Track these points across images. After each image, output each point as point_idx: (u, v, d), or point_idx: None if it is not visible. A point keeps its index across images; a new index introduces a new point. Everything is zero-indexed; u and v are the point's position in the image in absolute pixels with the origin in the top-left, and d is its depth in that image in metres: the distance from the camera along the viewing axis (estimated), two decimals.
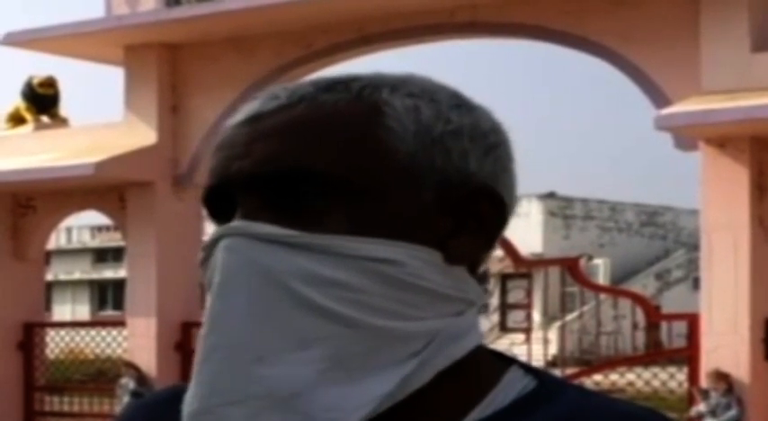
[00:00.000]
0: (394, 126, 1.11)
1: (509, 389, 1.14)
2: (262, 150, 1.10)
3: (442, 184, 1.11)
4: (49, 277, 39.53)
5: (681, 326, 13.09)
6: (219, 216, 1.13)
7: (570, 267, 14.26)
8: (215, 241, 1.10)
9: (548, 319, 21.53)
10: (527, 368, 1.17)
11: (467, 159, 1.12)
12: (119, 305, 37.47)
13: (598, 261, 38.99)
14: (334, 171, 1.08)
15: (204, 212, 1.19)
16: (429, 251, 1.09)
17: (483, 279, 1.18)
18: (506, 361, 1.18)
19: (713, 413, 12.04)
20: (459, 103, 1.15)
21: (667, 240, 44.12)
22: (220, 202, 1.13)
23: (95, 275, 54.48)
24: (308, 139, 1.09)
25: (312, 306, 1.06)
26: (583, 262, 18.26)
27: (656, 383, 13.98)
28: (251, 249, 1.07)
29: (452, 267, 1.11)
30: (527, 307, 14.87)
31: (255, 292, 1.06)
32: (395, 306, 1.07)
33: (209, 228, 1.27)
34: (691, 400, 12.54)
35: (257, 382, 1.05)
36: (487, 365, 1.15)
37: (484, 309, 22.54)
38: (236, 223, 1.09)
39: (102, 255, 54.52)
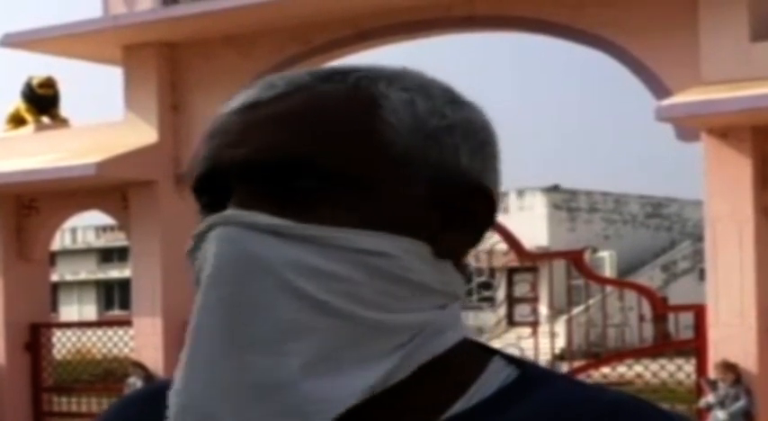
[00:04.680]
0: (390, 119, 1.10)
1: (492, 380, 1.14)
2: (258, 138, 1.09)
3: (434, 179, 1.11)
4: (55, 278, 39.65)
5: (688, 318, 13.08)
6: (208, 205, 1.12)
7: (575, 260, 14.26)
8: (206, 230, 1.08)
9: (554, 313, 21.49)
10: (510, 358, 1.17)
11: (458, 155, 1.12)
12: (125, 305, 37.50)
13: (604, 253, 38.97)
14: (331, 162, 1.07)
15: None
16: (420, 244, 1.10)
17: (463, 272, 1.17)
18: (489, 352, 1.18)
19: (722, 404, 12.03)
20: (453, 99, 1.15)
21: (673, 231, 44.10)
22: (210, 191, 1.12)
23: (101, 275, 54.56)
24: (306, 130, 1.08)
25: (305, 297, 1.05)
26: (587, 254, 18.26)
27: (664, 375, 13.97)
28: (245, 239, 1.06)
29: (440, 261, 1.11)
30: (533, 300, 14.87)
31: (248, 283, 1.05)
32: (384, 298, 1.08)
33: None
34: (699, 392, 12.53)
35: (245, 373, 1.04)
36: (471, 357, 1.15)
37: (491, 302, 22.55)
38: (230, 212, 1.08)
39: (108, 255, 54.59)
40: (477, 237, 1.14)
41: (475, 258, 14.35)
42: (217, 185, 1.11)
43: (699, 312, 12.62)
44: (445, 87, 1.15)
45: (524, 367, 1.17)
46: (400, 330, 1.08)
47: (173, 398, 1.08)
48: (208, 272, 1.07)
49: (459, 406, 1.12)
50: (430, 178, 1.11)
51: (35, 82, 16.35)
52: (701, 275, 23.91)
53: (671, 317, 13.64)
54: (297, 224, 1.06)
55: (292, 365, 1.05)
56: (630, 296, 14.50)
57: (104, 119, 16.42)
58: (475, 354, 1.16)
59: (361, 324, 1.06)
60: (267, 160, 1.08)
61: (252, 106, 1.11)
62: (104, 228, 52.70)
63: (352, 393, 1.06)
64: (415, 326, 1.09)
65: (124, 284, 37.98)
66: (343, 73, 1.13)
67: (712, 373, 12.11)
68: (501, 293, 20.87)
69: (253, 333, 1.05)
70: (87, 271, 55.00)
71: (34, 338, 16.55)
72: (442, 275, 1.11)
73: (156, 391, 1.23)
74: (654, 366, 14.11)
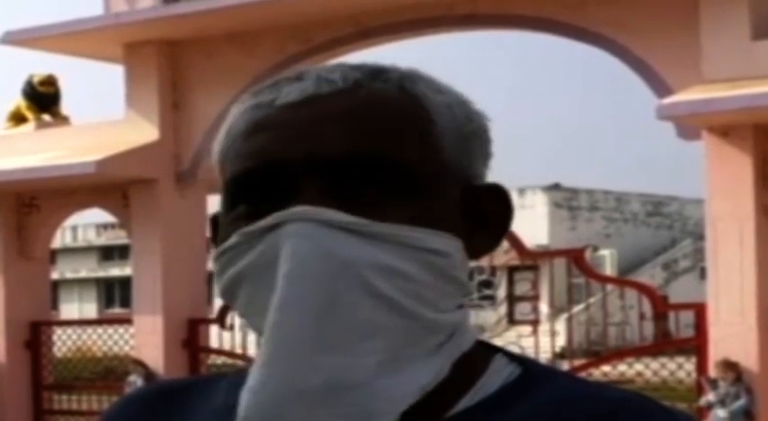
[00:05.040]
0: (439, 122, 1.12)
1: (495, 377, 1.16)
2: (330, 134, 1.08)
3: (464, 182, 1.14)
4: (56, 276, 39.63)
5: (689, 316, 13.07)
6: (251, 202, 1.11)
7: (576, 258, 14.24)
8: (272, 226, 1.07)
9: (555, 311, 21.48)
10: (512, 356, 1.19)
11: (480, 159, 1.16)
12: (126, 303, 37.50)
13: (604, 252, 38.95)
14: (404, 162, 1.09)
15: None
16: (461, 244, 1.13)
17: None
18: (492, 350, 1.19)
19: (722, 402, 12.02)
20: (471, 104, 1.17)
21: (674, 230, 44.07)
22: (250, 189, 1.10)
23: (102, 273, 54.53)
24: (376, 128, 1.09)
25: (380, 296, 1.06)
26: (588, 253, 18.25)
27: (664, 373, 13.96)
28: (323, 236, 1.06)
29: (467, 261, 1.15)
30: (534, 299, 14.86)
31: (327, 281, 1.05)
32: (437, 297, 1.10)
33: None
34: (700, 390, 12.52)
35: (323, 373, 1.05)
36: (477, 355, 1.17)
37: (492, 301, 22.54)
38: (304, 208, 1.07)
39: (109, 253, 54.55)
40: (498, 239, 1.18)
41: None
42: (269, 182, 1.09)
43: (699, 311, 12.61)
44: (459, 91, 1.17)
45: (527, 365, 1.18)
46: (444, 329, 1.11)
47: (246, 395, 1.06)
48: (286, 269, 1.05)
49: (463, 403, 1.13)
50: (462, 181, 1.14)
51: (36, 80, 16.33)
52: (702, 274, 23.91)
53: (671, 315, 13.63)
54: (372, 222, 1.07)
55: (368, 365, 1.05)
56: (631, 294, 14.48)
57: (105, 117, 16.42)
58: (478, 352, 1.17)
59: (421, 323, 1.08)
60: (339, 156, 1.08)
61: (310, 101, 1.10)
62: (105, 226, 52.66)
63: (413, 391, 1.07)
64: (454, 325, 1.12)
65: (125, 282, 37.96)
66: (387, 71, 1.13)
67: (713, 372, 12.10)
68: (502, 292, 20.87)
69: (332, 333, 1.05)
70: (88, 269, 54.98)
71: (34, 336, 16.53)
72: (467, 275, 1.15)
73: (156, 391, 1.24)
74: (654, 365, 14.10)
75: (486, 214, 1.15)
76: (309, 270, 1.05)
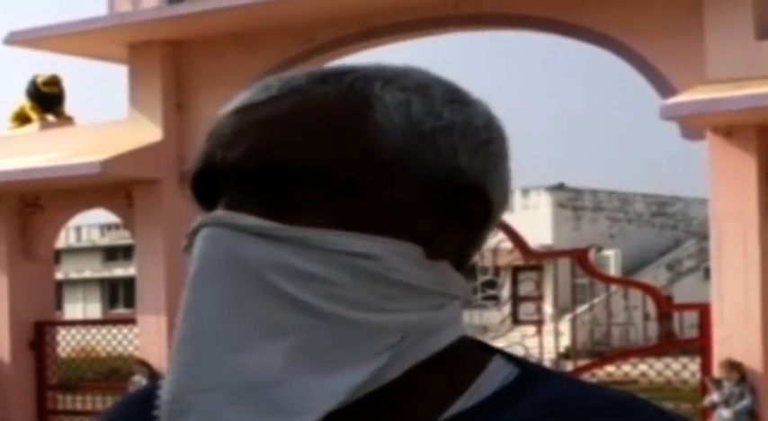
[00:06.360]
0: (381, 120, 1.11)
1: (492, 378, 1.15)
2: (248, 142, 1.10)
3: (429, 180, 1.11)
4: (60, 276, 39.65)
5: (693, 317, 13.06)
6: (206, 203, 1.14)
7: (580, 259, 14.24)
8: (196, 230, 1.10)
9: (559, 311, 21.44)
10: (510, 357, 1.18)
11: (456, 156, 1.12)
12: (130, 303, 37.51)
13: (609, 252, 38.94)
14: (316, 166, 1.08)
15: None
16: (408, 246, 1.10)
17: (470, 273, 1.17)
18: (490, 351, 1.18)
19: (726, 403, 12.02)
20: (454, 99, 1.14)
21: (678, 230, 44.07)
22: (205, 191, 1.14)
23: (106, 273, 54.59)
24: (293, 133, 1.09)
25: (287, 298, 1.07)
26: (592, 253, 18.22)
27: (668, 374, 13.96)
28: (230, 240, 1.08)
29: (434, 262, 1.11)
30: (538, 299, 14.87)
31: (231, 282, 1.07)
32: (371, 299, 1.08)
33: None
34: (704, 390, 12.51)
35: (230, 371, 1.06)
36: (471, 356, 1.16)
37: (496, 301, 22.52)
38: (218, 213, 1.10)
39: (113, 253, 54.62)
40: (475, 239, 1.15)
41: (479, 257, 14.33)
42: (211, 185, 1.13)
43: (703, 311, 12.60)
44: (447, 86, 1.15)
45: (524, 366, 1.17)
46: (390, 330, 1.09)
47: (162, 395, 1.09)
48: (193, 271, 1.09)
49: (458, 405, 1.13)
50: (425, 179, 1.11)
51: (40, 80, 16.35)
52: (706, 274, 23.89)
53: (675, 315, 13.63)
54: (281, 226, 1.08)
55: (275, 364, 1.06)
56: (635, 295, 14.48)
57: (109, 117, 16.44)
58: (475, 354, 1.17)
59: (347, 324, 1.07)
60: (255, 164, 1.09)
61: (246, 108, 1.13)
62: (109, 227, 52.72)
63: (337, 392, 1.07)
64: (406, 326, 1.09)
65: (129, 282, 37.95)
66: (340, 74, 1.13)
67: (717, 372, 12.09)
68: (506, 292, 20.85)
69: (235, 332, 1.06)
70: (92, 269, 55.04)
71: (39, 336, 16.55)
72: (435, 276, 1.11)
73: (153, 391, 1.24)
74: (658, 365, 14.10)
75: (462, 213, 1.12)
76: (212, 271, 1.08)
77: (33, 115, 16.45)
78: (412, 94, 1.12)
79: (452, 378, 1.13)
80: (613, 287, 15.12)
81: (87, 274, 54.90)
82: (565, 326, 18.65)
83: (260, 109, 1.11)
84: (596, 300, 21.18)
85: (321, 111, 1.10)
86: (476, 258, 1.20)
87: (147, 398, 1.23)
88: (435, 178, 1.11)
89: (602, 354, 15.33)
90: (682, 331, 13.76)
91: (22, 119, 16.59)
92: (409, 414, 1.11)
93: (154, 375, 14.62)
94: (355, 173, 1.09)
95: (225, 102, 1.19)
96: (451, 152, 1.12)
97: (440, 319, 1.12)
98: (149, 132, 15.10)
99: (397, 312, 1.09)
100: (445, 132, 1.12)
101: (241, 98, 1.14)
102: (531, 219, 36.48)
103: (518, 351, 12.02)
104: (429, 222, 1.11)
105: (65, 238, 47.67)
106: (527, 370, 1.16)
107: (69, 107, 16.79)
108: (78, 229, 54.19)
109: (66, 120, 16.60)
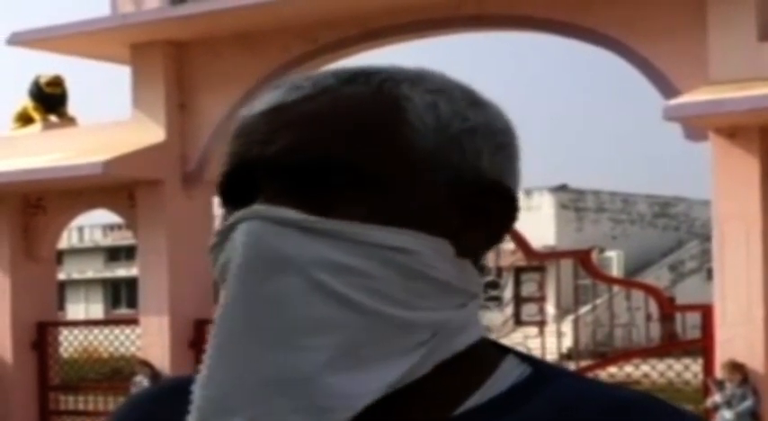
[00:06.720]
0: (414, 121, 1.13)
1: (505, 377, 1.17)
2: (286, 138, 1.12)
3: (455, 180, 1.14)
4: (63, 276, 39.67)
5: (695, 318, 13.06)
6: (233, 203, 1.15)
7: (582, 260, 14.24)
8: (233, 225, 1.11)
9: (561, 312, 21.49)
10: (523, 356, 1.20)
11: (480, 157, 1.16)
12: (132, 303, 37.55)
13: (611, 253, 38.94)
14: (355, 162, 1.10)
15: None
16: (441, 242, 1.12)
17: (482, 271, 1.19)
18: (503, 350, 1.20)
19: (729, 404, 12.02)
20: (475, 101, 1.17)
21: (680, 231, 44.05)
22: (235, 189, 1.15)
23: (108, 274, 54.62)
24: (331, 130, 1.11)
25: (328, 292, 1.08)
26: (595, 254, 18.23)
27: (671, 375, 13.95)
28: (271, 234, 1.09)
29: (461, 260, 1.14)
30: (540, 300, 14.85)
31: (273, 277, 1.08)
32: (405, 295, 1.10)
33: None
34: (706, 391, 12.51)
35: (269, 367, 1.07)
36: (485, 355, 1.18)
37: (498, 302, 22.51)
38: (257, 207, 1.10)
39: (115, 254, 54.66)
40: (497, 237, 1.17)
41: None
42: (243, 184, 1.14)
43: (706, 312, 12.60)
44: (466, 89, 1.18)
45: (537, 365, 1.19)
46: (422, 328, 1.11)
47: (197, 391, 1.09)
48: (235, 265, 1.09)
49: (472, 401, 1.14)
50: (451, 179, 1.14)
51: (43, 80, 16.36)
52: (709, 275, 23.88)
53: (678, 316, 13.63)
54: (321, 219, 1.09)
55: (316, 360, 1.07)
56: (638, 296, 14.48)
57: (112, 117, 16.43)
58: (489, 352, 1.19)
59: (383, 320, 1.09)
60: (294, 159, 1.11)
61: (278, 108, 1.14)
62: (111, 227, 52.77)
63: (373, 389, 1.08)
64: (437, 324, 1.11)
65: (131, 283, 38.01)
66: (367, 75, 1.16)
67: (719, 373, 12.09)
68: (508, 292, 20.83)
69: (277, 327, 1.07)
70: (94, 269, 55.07)
71: (41, 337, 16.55)
72: (462, 274, 1.14)
73: (162, 390, 1.25)
74: (661, 366, 14.09)
75: (487, 211, 1.15)
76: (255, 266, 1.08)
77: (36, 116, 16.46)
78: (438, 96, 1.15)
79: (468, 375, 1.15)
80: (616, 288, 15.13)
81: (90, 275, 54.92)
82: (567, 326, 18.69)
83: (293, 108, 1.13)
84: (599, 301, 21.18)
85: (356, 110, 1.12)
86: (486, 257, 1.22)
87: (153, 397, 1.24)
88: (461, 178, 1.14)
89: (604, 355, 15.33)
90: (684, 332, 13.75)
91: (24, 119, 16.60)
92: (425, 409, 1.12)
93: (156, 375, 14.63)
94: (390, 170, 1.11)
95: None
96: (476, 153, 1.15)
97: (464, 318, 1.14)
98: (152, 133, 15.10)
99: (428, 310, 1.11)
100: (470, 134, 1.15)
101: (269, 98, 1.15)
102: (534, 219, 36.47)
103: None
104: (457, 221, 1.14)
105: (67, 239, 47.72)
106: (540, 369, 1.18)
107: (72, 108, 16.81)
108: (81, 230, 54.24)
109: (68, 120, 16.60)
